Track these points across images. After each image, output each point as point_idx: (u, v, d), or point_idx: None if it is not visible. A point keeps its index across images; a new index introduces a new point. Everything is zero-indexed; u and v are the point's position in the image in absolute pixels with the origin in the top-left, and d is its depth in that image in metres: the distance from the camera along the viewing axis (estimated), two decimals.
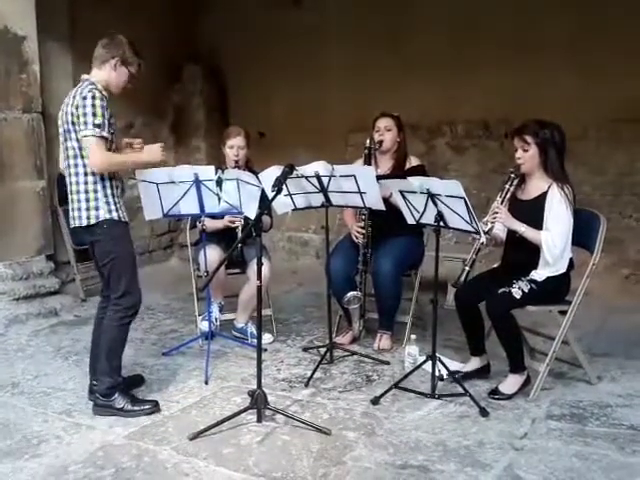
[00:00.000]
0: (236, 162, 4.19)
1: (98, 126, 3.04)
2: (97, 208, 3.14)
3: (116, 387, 3.22)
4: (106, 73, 3.19)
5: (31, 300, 4.83)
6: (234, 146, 4.22)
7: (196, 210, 3.71)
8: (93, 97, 3.04)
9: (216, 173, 3.65)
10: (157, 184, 3.50)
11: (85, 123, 3.04)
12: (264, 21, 6.30)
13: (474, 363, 3.59)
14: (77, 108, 3.05)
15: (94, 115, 3.03)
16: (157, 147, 3.32)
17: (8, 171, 4.81)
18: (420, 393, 3.38)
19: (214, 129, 6.54)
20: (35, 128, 4.91)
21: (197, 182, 3.58)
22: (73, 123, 3.08)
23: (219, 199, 3.70)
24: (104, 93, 3.14)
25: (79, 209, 3.16)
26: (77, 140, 3.10)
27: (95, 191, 3.14)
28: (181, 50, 6.52)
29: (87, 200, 3.14)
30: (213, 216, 4.04)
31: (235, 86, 6.71)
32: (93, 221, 3.14)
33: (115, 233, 3.19)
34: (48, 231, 5.10)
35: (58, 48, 5.34)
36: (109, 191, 3.17)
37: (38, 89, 4.92)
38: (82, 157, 3.12)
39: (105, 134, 3.07)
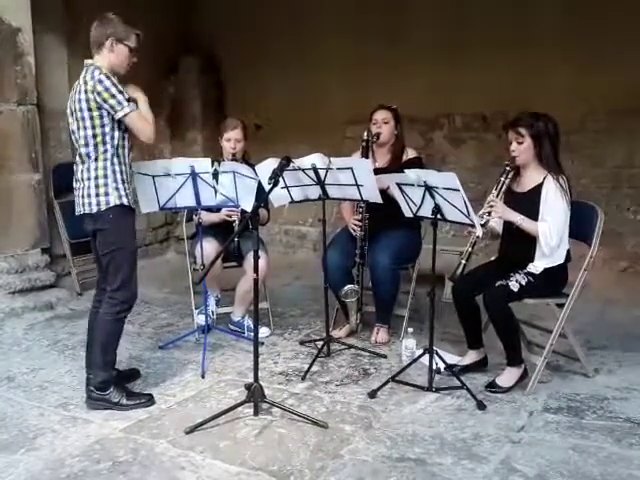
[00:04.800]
0: (233, 155, 4.17)
1: (130, 100, 3.05)
2: (107, 194, 3.11)
3: (110, 381, 3.21)
4: (105, 57, 3.13)
5: (27, 293, 4.81)
6: (231, 139, 4.20)
7: (192, 203, 3.70)
8: (108, 77, 3.03)
9: (212, 166, 3.64)
10: (153, 177, 3.49)
11: (119, 103, 3.02)
12: (261, 13, 6.27)
13: (471, 356, 3.59)
14: (98, 93, 3.00)
15: (121, 92, 3.03)
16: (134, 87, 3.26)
17: (3, 164, 4.77)
18: (417, 386, 3.38)
19: (211, 121, 6.52)
20: (30, 120, 4.87)
21: (193, 175, 3.56)
22: (89, 109, 3.04)
23: (215, 192, 3.69)
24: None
25: (89, 195, 3.12)
26: (92, 127, 3.06)
27: (105, 176, 3.11)
28: (177, 41, 6.48)
29: (97, 186, 3.11)
30: (209, 209, 4.03)
31: (232, 78, 6.68)
32: (103, 207, 3.11)
33: (121, 223, 3.16)
34: (43, 224, 5.07)
35: (53, 40, 5.31)
36: (119, 176, 3.14)
37: (33, 81, 4.88)
38: (95, 145, 3.08)
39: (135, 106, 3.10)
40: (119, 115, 3.05)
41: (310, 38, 6.05)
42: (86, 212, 3.15)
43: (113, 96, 3.01)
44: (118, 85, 3.05)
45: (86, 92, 3.04)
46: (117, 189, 3.12)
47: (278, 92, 6.30)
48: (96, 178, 3.11)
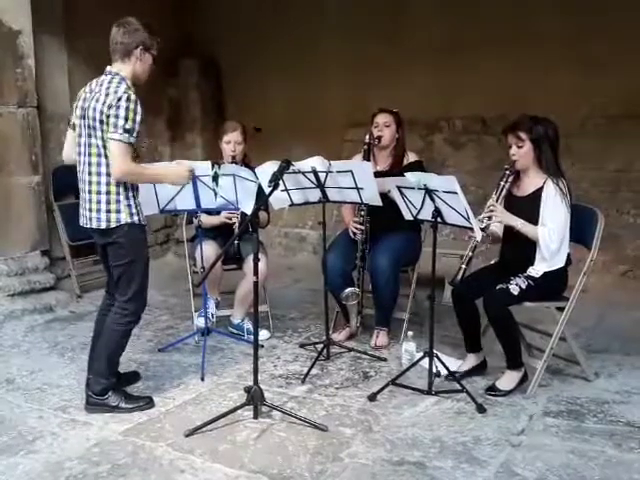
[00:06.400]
0: (233, 157, 4.17)
1: (128, 131, 2.92)
2: (118, 211, 3.03)
3: (110, 387, 3.20)
4: (131, 65, 3.06)
5: (26, 296, 4.81)
6: (231, 141, 4.20)
7: (192, 206, 3.70)
8: (128, 99, 2.92)
9: (212, 168, 3.64)
10: None
11: (115, 125, 2.91)
12: (261, 15, 6.28)
13: (470, 360, 3.59)
14: (110, 108, 2.92)
15: (126, 119, 2.91)
16: (186, 172, 3.24)
17: (3, 166, 4.78)
18: (417, 389, 3.37)
19: (210, 124, 6.53)
20: (30, 123, 4.88)
21: (193, 177, 3.56)
22: (101, 122, 2.95)
23: (215, 194, 3.69)
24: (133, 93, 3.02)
25: (98, 210, 3.04)
26: (102, 139, 2.98)
27: (117, 193, 3.03)
28: (178, 44, 6.48)
29: (108, 202, 3.03)
30: (209, 212, 4.03)
31: (232, 81, 6.69)
32: (114, 225, 3.03)
33: (134, 237, 3.10)
34: (43, 226, 5.07)
35: (53, 42, 5.31)
36: (130, 193, 3.06)
37: (33, 84, 4.88)
38: (106, 157, 3.00)
39: (132, 140, 2.95)
40: (107, 135, 2.94)
41: (310, 41, 6.06)
42: (94, 227, 3.08)
43: (116, 117, 2.91)
44: (132, 112, 2.92)
45: (104, 104, 2.95)
46: (129, 206, 3.05)
47: (278, 95, 6.30)
48: (107, 193, 3.03)
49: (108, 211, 3.04)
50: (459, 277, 3.27)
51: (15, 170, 4.84)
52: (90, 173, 3.06)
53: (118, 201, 3.04)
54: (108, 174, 3.02)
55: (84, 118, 3.05)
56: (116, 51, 3.07)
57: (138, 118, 2.96)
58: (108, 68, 3.09)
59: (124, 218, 3.05)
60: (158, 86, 6.43)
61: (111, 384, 3.21)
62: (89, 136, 3.04)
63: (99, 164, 3.03)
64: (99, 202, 3.04)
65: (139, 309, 3.21)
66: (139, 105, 2.97)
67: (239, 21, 6.38)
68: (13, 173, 4.83)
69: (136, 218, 3.09)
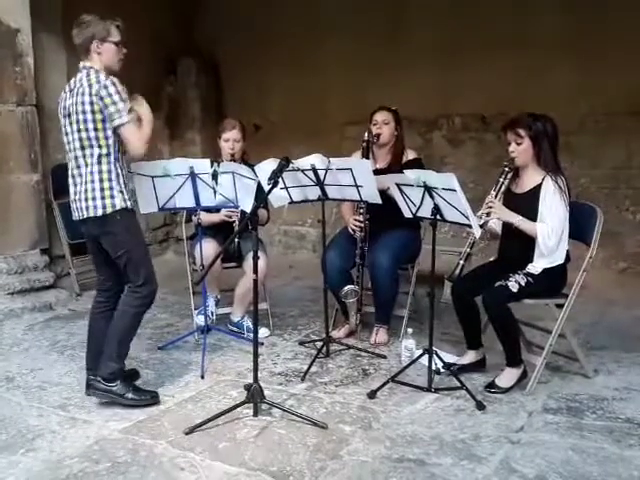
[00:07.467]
0: (232, 155, 4.17)
1: (130, 110, 3.05)
2: (112, 197, 3.10)
3: (119, 373, 3.22)
4: (96, 59, 3.12)
5: (26, 294, 4.82)
6: (230, 139, 4.20)
7: (192, 203, 3.70)
8: (114, 84, 3.03)
9: (212, 166, 3.64)
10: (152, 177, 3.48)
11: (118, 111, 3.01)
12: (261, 13, 6.28)
13: (470, 356, 3.59)
14: (101, 98, 3.01)
15: (123, 101, 3.02)
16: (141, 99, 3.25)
17: (2, 164, 4.79)
18: (417, 387, 3.38)
19: (209, 122, 6.53)
20: (29, 121, 4.88)
21: (193, 175, 3.56)
22: (93, 112, 3.03)
23: (215, 192, 3.69)
24: None
25: (94, 199, 3.10)
26: (95, 130, 3.05)
27: (110, 180, 3.10)
28: (177, 42, 6.49)
29: (102, 189, 3.10)
30: (209, 210, 4.03)
31: (231, 79, 6.69)
32: (109, 210, 3.10)
33: (128, 224, 3.17)
34: (43, 225, 5.08)
35: (52, 41, 5.31)
36: (121, 180, 3.14)
37: (32, 82, 4.89)
38: (99, 147, 3.07)
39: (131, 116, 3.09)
40: (115, 124, 3.03)
41: (309, 39, 6.06)
42: (90, 216, 3.12)
43: (114, 103, 3.01)
44: (122, 92, 3.04)
45: (90, 95, 3.03)
46: (121, 192, 3.13)
47: (277, 92, 6.31)
48: (101, 181, 3.10)
49: (103, 197, 3.10)
50: (457, 273, 3.27)
51: (14, 168, 4.84)
52: (85, 165, 3.12)
53: (111, 187, 3.11)
54: (99, 163, 3.10)
55: (69, 115, 3.13)
56: (79, 51, 3.16)
57: (126, 96, 3.07)
58: (81, 64, 3.16)
59: (119, 203, 3.11)
60: (157, 84, 6.44)
61: (120, 370, 3.23)
62: (78, 131, 3.10)
63: (92, 155, 3.10)
64: (94, 190, 3.11)
65: (151, 293, 3.25)
66: (121, 85, 3.09)
67: (238, 20, 6.38)
68: (12, 171, 4.84)
69: (129, 204, 3.17)
